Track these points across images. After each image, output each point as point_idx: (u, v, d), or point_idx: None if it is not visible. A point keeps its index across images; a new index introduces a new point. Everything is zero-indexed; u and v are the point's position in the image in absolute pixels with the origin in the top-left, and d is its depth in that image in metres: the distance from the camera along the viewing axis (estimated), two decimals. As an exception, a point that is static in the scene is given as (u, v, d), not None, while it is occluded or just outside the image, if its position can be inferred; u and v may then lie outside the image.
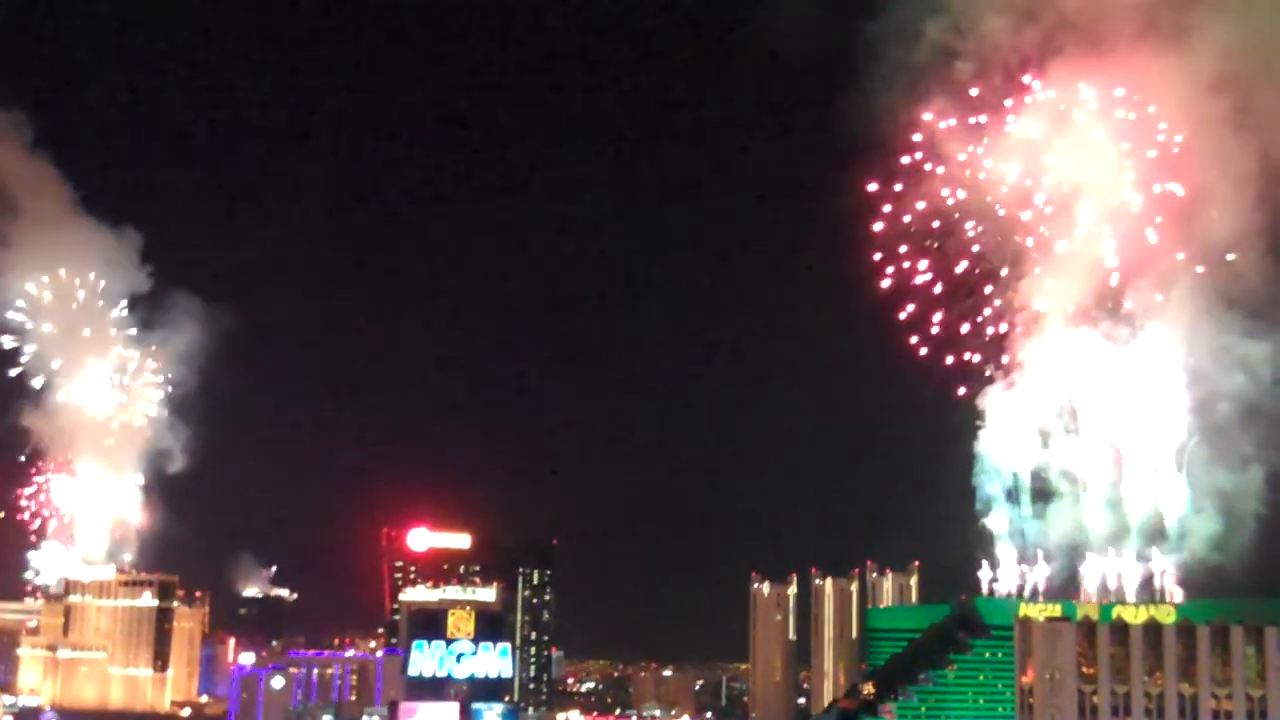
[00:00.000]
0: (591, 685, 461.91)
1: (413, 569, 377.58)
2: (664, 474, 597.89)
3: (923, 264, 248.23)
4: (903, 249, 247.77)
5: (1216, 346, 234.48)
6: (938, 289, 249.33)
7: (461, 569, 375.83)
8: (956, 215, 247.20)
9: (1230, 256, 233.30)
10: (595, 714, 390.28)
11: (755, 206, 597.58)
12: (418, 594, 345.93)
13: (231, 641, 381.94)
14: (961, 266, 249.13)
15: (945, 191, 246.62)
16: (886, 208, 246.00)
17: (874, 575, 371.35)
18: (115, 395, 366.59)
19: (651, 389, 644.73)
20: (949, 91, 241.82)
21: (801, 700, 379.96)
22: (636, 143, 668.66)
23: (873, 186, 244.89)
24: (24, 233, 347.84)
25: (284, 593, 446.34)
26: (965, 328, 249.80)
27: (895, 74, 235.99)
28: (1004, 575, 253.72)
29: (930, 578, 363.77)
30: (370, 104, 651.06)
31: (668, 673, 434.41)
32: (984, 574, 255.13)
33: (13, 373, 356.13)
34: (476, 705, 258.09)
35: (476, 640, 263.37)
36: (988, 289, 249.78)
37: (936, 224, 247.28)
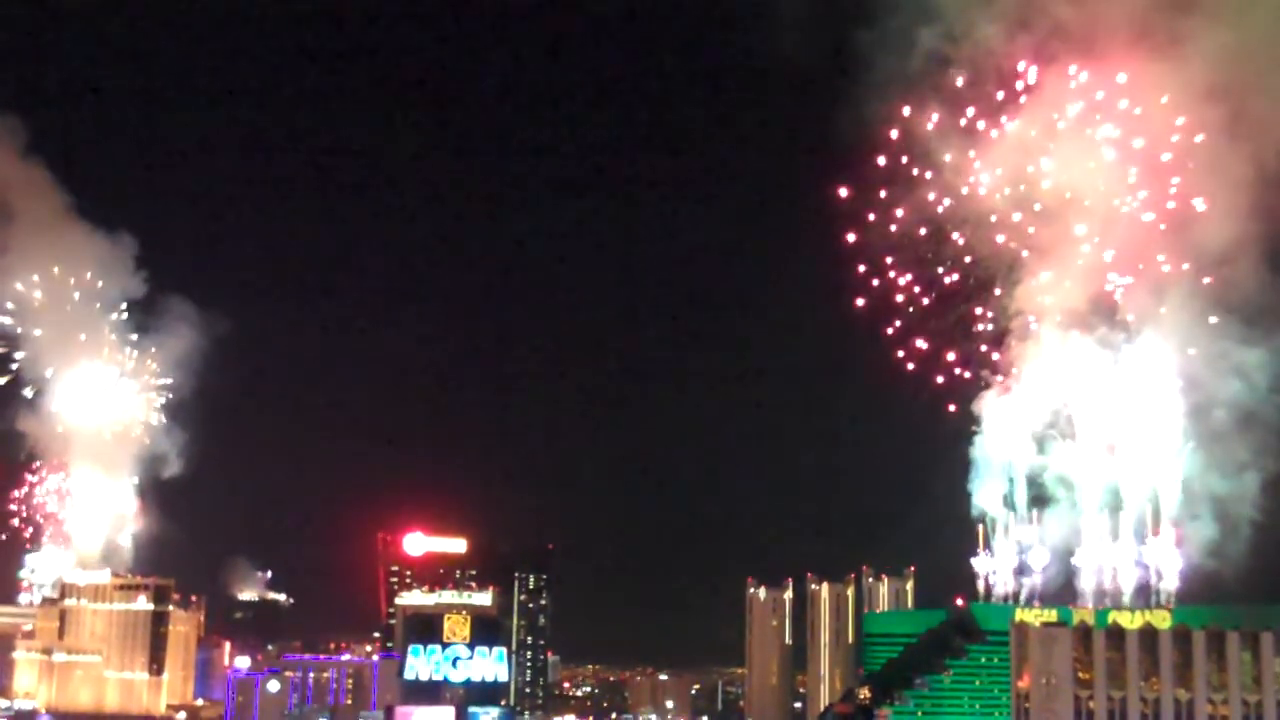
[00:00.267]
0: (587, 690, 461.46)
1: (408, 573, 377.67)
2: (660, 478, 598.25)
3: (915, 273, 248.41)
4: (896, 255, 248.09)
5: (1212, 353, 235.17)
6: (925, 301, 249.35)
7: (457, 573, 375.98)
8: (950, 222, 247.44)
9: (1225, 263, 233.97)
10: (591, 718, 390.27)
11: (753, 212, 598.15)
12: (413, 598, 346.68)
13: (227, 645, 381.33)
14: (955, 273, 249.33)
15: (937, 197, 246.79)
16: (879, 214, 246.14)
17: (870, 580, 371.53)
18: (110, 399, 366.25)
19: (648, 394, 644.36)
20: (943, 99, 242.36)
21: (798, 705, 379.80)
22: (637, 147, 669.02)
23: (867, 193, 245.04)
24: (18, 237, 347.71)
25: (279, 597, 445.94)
26: (955, 340, 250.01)
27: (889, 81, 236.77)
28: (1000, 580, 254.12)
29: (926, 583, 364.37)
30: (366, 108, 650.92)
31: (664, 677, 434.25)
32: (980, 579, 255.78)
33: (6, 377, 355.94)
34: (472, 710, 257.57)
35: (472, 644, 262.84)
36: (982, 296, 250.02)
37: (931, 231, 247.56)
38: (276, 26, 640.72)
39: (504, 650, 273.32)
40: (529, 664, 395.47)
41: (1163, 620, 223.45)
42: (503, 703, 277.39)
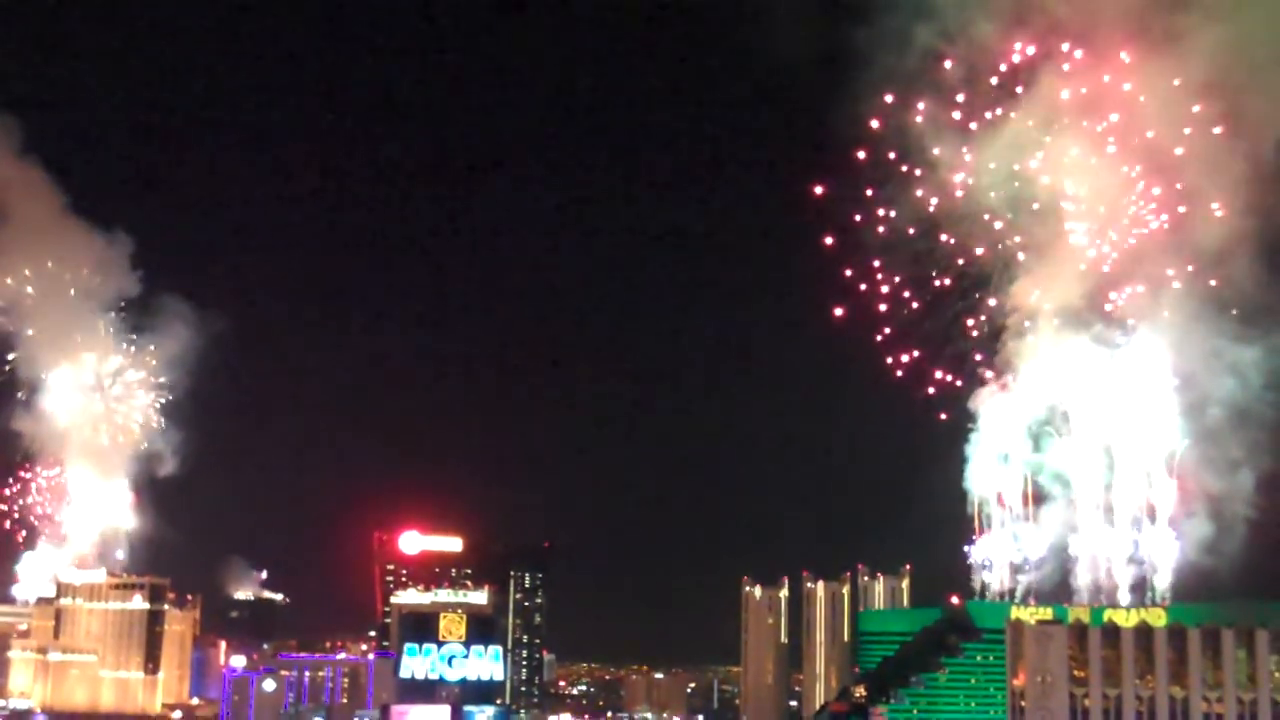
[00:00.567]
0: (583, 688, 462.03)
1: (404, 572, 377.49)
2: (656, 477, 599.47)
3: (908, 273, 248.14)
4: (890, 255, 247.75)
5: (1207, 351, 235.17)
6: (915, 305, 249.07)
7: (453, 572, 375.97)
8: (945, 220, 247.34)
9: (1221, 261, 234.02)
10: (587, 717, 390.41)
11: (749, 211, 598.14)
12: (409, 597, 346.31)
13: (223, 644, 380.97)
14: (949, 273, 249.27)
15: (931, 195, 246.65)
16: (874, 213, 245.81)
17: (865, 578, 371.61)
18: (106, 399, 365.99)
19: (644, 393, 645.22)
20: (939, 96, 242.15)
21: (793, 703, 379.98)
22: (636, 147, 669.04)
23: (862, 191, 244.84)
24: (14, 237, 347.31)
25: (275, 595, 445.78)
26: (946, 345, 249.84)
27: (885, 79, 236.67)
28: (995, 578, 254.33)
29: (922, 581, 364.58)
30: (363, 107, 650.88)
31: (659, 675, 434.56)
32: (975, 577, 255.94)
33: (1, 377, 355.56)
34: (468, 708, 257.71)
35: (468, 643, 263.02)
36: (978, 294, 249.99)
37: (925, 229, 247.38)
38: (274, 24, 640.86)
39: (500, 649, 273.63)
40: (525, 663, 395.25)
41: (1158, 618, 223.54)
42: (498, 701, 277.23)
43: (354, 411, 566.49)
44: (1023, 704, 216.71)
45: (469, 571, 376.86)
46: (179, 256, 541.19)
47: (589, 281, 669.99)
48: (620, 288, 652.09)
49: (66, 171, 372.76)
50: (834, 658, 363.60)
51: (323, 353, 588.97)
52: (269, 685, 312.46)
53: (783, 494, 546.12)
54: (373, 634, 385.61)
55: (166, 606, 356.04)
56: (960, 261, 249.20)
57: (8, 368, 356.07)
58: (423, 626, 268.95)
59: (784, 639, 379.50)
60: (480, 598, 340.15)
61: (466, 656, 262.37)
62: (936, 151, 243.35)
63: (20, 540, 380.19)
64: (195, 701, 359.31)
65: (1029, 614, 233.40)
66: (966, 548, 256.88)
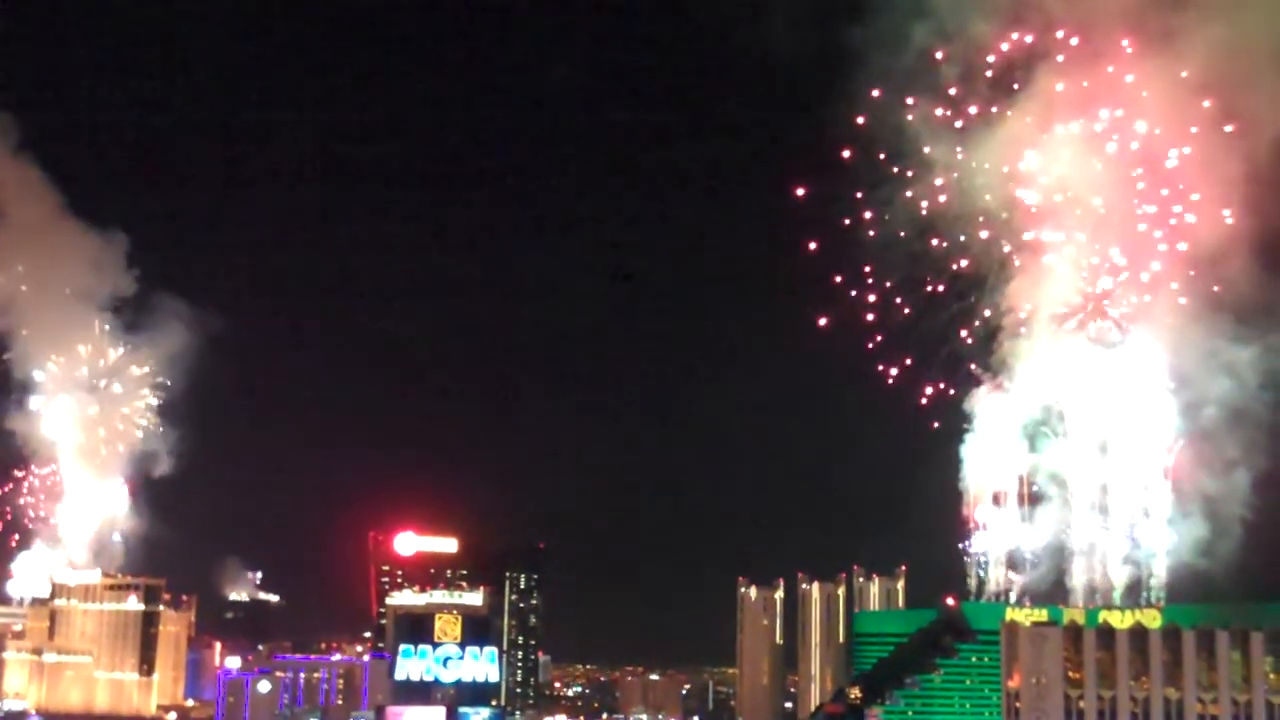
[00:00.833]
0: (578, 690, 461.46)
1: (399, 573, 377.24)
2: (651, 478, 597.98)
3: (903, 273, 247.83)
4: (884, 255, 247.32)
5: (1203, 351, 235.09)
6: (907, 311, 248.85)
7: (448, 573, 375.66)
8: (940, 220, 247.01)
9: (1217, 261, 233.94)
10: (582, 718, 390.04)
11: (745, 210, 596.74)
12: (404, 598, 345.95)
13: (218, 645, 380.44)
14: (946, 272, 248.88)
15: (926, 195, 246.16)
16: (870, 213, 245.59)
17: (861, 579, 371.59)
18: (101, 398, 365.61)
19: (638, 393, 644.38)
20: (934, 95, 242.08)
21: (788, 704, 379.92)
22: (634, 143, 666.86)
23: (856, 192, 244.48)
24: (9, 235, 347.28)
25: (270, 597, 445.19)
26: (938, 349, 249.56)
27: (880, 78, 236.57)
28: (991, 579, 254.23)
29: (917, 582, 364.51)
30: (361, 107, 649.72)
31: (655, 677, 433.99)
32: (970, 578, 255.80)
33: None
34: (463, 710, 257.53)
35: (463, 644, 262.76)
36: (973, 294, 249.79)
37: (920, 230, 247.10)
38: (271, 23, 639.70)
39: (495, 650, 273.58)
40: (520, 664, 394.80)
41: (1153, 619, 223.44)
42: (493, 703, 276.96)
43: (350, 412, 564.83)
44: (1017, 705, 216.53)
45: (464, 573, 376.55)
46: (175, 256, 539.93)
47: (586, 281, 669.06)
48: (616, 288, 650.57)
49: (62, 170, 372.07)
50: (829, 659, 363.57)
51: (319, 353, 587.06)
52: (264, 686, 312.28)
53: (777, 494, 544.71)
54: (368, 635, 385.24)
55: (161, 607, 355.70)
56: (955, 264, 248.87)
57: (2, 367, 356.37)
58: (418, 628, 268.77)
59: (779, 640, 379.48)
60: (475, 599, 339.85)
61: (462, 658, 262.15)
62: (930, 151, 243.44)
63: (15, 540, 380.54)
64: (190, 703, 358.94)
65: (1024, 615, 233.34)
66: (962, 546, 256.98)
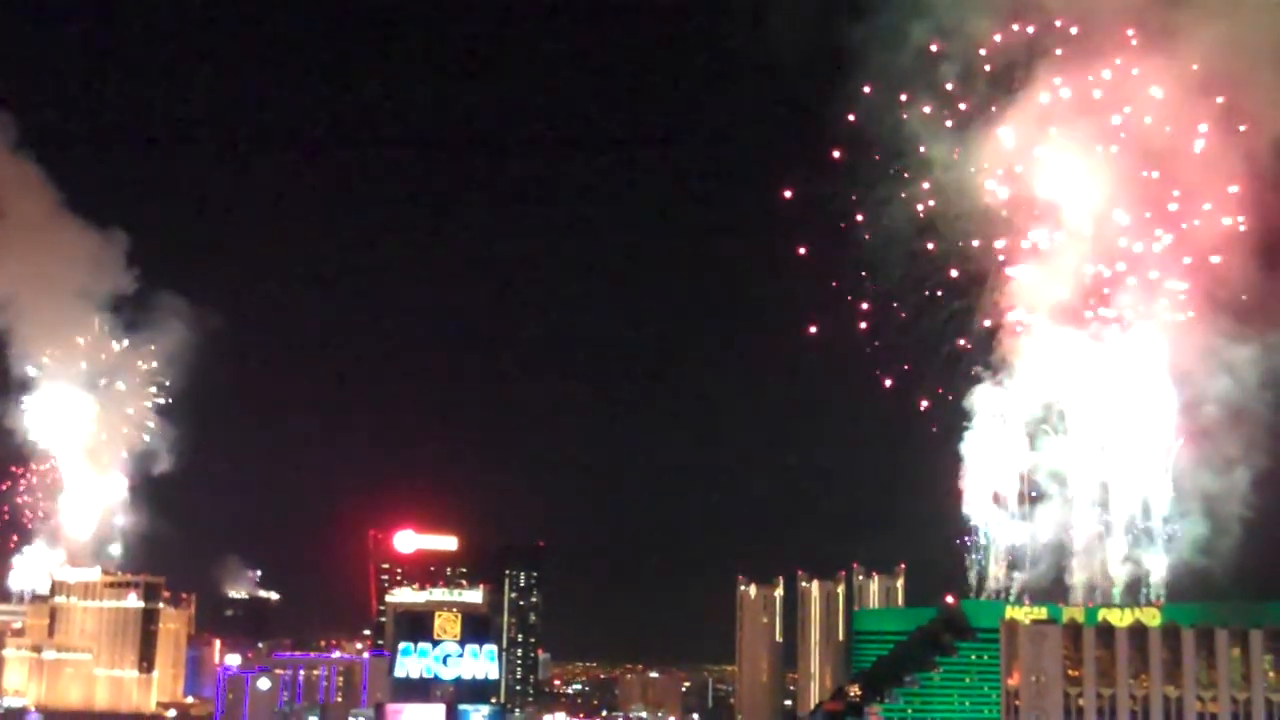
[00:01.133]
0: (578, 687, 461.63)
1: (399, 571, 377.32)
2: (651, 477, 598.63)
3: (902, 272, 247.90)
4: (884, 257, 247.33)
5: (1203, 349, 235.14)
6: (904, 314, 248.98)
7: (448, 571, 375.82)
8: (941, 219, 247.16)
9: (1217, 259, 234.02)
10: (582, 716, 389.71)
11: (743, 209, 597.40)
12: (404, 596, 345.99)
13: (217, 643, 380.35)
14: (946, 271, 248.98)
15: (927, 194, 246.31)
16: (868, 213, 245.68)
17: (860, 578, 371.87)
18: (101, 396, 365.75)
19: (639, 392, 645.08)
20: (932, 95, 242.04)
21: (788, 702, 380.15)
22: (634, 149, 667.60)
23: (855, 191, 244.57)
24: (8, 234, 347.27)
25: (270, 594, 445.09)
26: (938, 351, 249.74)
27: (879, 78, 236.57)
28: (990, 577, 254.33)
29: (917, 580, 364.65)
30: (363, 104, 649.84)
31: (654, 675, 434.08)
32: (970, 576, 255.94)
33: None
34: (463, 707, 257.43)
35: (463, 642, 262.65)
36: (974, 292, 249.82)
37: (920, 228, 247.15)
38: (271, 20, 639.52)
39: (494, 648, 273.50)
40: (519, 661, 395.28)
41: (1152, 618, 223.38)
42: (493, 700, 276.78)
43: (349, 410, 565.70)
44: (1017, 703, 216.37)
45: (464, 570, 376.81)
46: (175, 254, 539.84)
47: (585, 280, 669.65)
48: (616, 286, 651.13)
49: (62, 168, 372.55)
50: (829, 657, 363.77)
51: (319, 352, 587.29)
52: (264, 684, 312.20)
53: (777, 493, 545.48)
54: (368, 633, 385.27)
55: (161, 605, 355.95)
56: (955, 262, 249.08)
57: (2, 365, 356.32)
58: (418, 625, 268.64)
59: (779, 638, 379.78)
60: (475, 597, 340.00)
61: (461, 655, 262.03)
62: (929, 150, 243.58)
63: (15, 538, 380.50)
64: (190, 700, 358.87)
65: (1024, 613, 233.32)
66: (961, 544, 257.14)
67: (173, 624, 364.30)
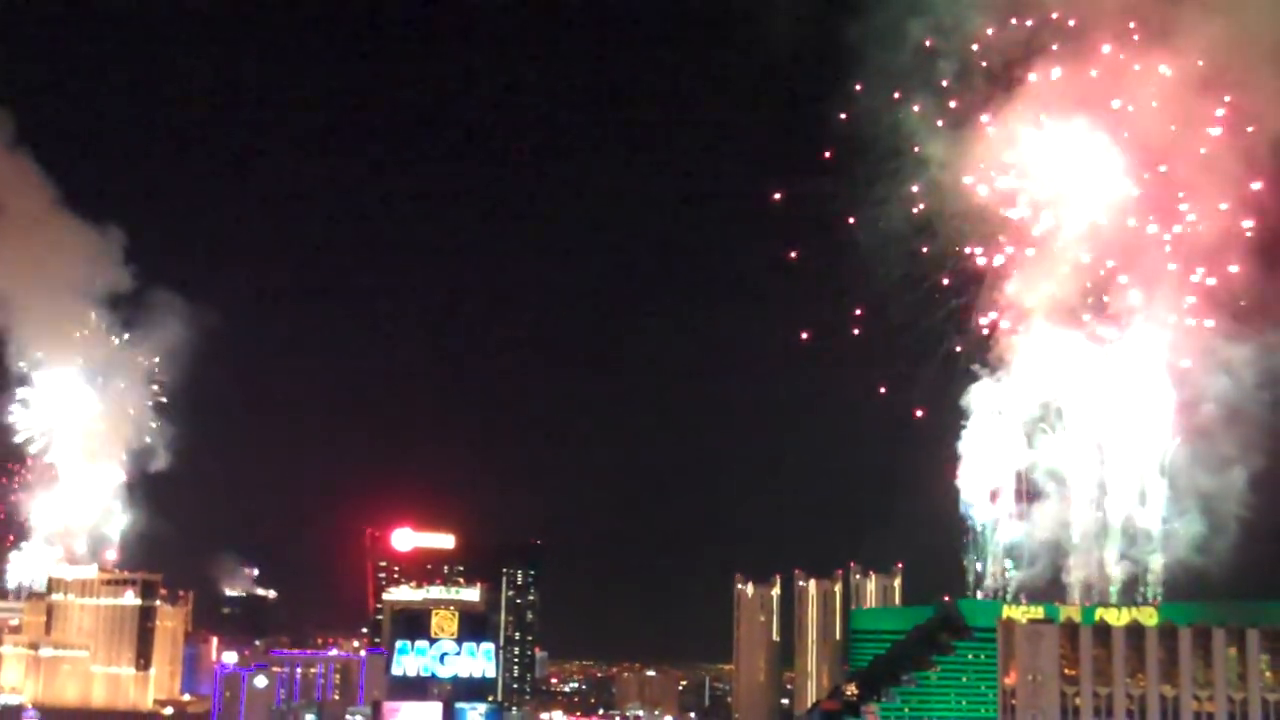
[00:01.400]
0: (575, 685, 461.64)
1: (396, 569, 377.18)
2: (648, 474, 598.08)
3: (900, 271, 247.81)
4: (882, 256, 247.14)
5: (1201, 349, 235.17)
6: (901, 311, 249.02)
7: (445, 569, 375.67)
8: (939, 218, 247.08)
9: (1215, 258, 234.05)
10: (579, 714, 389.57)
11: (740, 207, 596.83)
12: (401, 594, 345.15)
13: (214, 640, 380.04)
14: (944, 270, 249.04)
15: (925, 193, 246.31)
16: (867, 210, 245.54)
17: (857, 576, 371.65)
18: (98, 393, 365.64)
19: (635, 390, 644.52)
20: (931, 92, 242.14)
21: (785, 701, 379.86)
22: (633, 145, 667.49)
23: (854, 189, 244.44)
24: (5, 230, 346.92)
25: (267, 592, 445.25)
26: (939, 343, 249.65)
27: (878, 75, 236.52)
28: (988, 577, 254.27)
29: (914, 579, 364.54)
30: (359, 101, 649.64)
31: (651, 673, 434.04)
32: (968, 575, 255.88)
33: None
34: (460, 705, 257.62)
35: (460, 640, 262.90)
36: (971, 291, 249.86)
37: (918, 227, 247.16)
38: (270, 18, 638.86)
39: (491, 646, 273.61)
40: (516, 660, 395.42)
41: (1149, 617, 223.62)
42: (490, 698, 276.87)
43: (347, 408, 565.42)
44: (1014, 702, 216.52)
45: (461, 568, 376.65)
46: (172, 252, 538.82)
47: (582, 277, 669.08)
48: (613, 284, 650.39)
49: (59, 165, 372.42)
50: (826, 655, 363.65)
51: (316, 348, 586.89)
52: (261, 682, 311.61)
53: (774, 491, 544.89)
54: (365, 631, 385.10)
55: (158, 602, 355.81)
56: (953, 261, 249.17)
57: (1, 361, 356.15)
58: (415, 623, 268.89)
59: (776, 637, 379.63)
60: (472, 595, 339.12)
61: (458, 653, 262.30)
62: (927, 148, 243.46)
63: (12, 535, 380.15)
64: (187, 698, 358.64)
65: (1020, 613, 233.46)
66: (960, 547, 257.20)
67: (170, 621, 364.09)
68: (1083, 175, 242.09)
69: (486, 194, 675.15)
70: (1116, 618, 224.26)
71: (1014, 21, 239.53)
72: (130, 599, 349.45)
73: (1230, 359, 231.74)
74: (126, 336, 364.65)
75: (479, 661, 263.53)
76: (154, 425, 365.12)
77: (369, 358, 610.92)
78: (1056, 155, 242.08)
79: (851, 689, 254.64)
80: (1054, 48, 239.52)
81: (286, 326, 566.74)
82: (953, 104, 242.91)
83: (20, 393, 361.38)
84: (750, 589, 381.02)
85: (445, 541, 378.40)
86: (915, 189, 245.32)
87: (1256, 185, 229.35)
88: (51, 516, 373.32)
